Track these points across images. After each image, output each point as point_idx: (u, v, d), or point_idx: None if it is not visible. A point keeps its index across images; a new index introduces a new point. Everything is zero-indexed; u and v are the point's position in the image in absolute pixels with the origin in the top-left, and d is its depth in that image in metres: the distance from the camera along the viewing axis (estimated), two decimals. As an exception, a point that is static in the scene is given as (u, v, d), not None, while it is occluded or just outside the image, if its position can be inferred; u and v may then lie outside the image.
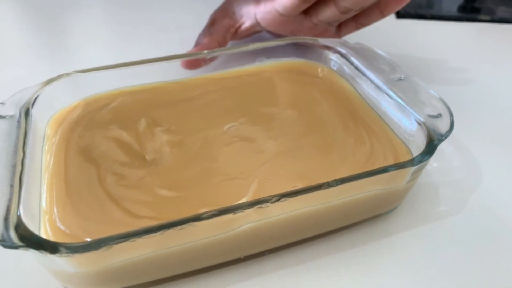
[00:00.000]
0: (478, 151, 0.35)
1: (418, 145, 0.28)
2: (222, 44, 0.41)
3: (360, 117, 0.32)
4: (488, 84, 0.45)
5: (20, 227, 0.21)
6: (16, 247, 0.20)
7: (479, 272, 0.27)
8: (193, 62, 0.36)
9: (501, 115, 0.40)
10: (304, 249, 0.27)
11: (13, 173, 0.24)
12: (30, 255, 0.26)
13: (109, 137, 0.30)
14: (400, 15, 0.58)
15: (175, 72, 0.36)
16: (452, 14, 0.59)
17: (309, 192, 0.23)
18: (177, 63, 0.36)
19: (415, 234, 0.29)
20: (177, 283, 0.25)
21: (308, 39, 0.38)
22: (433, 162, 0.34)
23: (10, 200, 0.23)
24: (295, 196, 0.23)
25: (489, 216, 0.30)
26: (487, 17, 0.58)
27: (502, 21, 0.58)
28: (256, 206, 0.22)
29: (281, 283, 0.26)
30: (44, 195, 0.26)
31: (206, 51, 0.36)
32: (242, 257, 0.26)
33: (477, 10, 0.61)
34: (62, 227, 0.24)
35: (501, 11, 0.60)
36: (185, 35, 0.53)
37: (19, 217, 0.22)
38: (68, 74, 0.33)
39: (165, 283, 0.25)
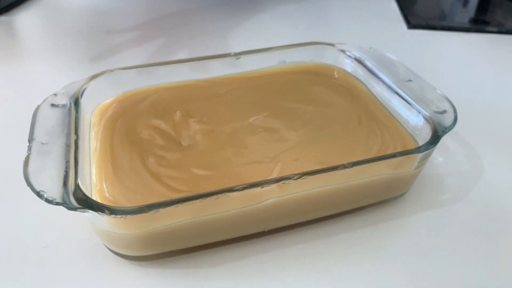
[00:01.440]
0: (481, 148, 0.38)
1: (424, 138, 0.31)
2: None
3: (372, 113, 0.36)
4: (493, 89, 0.48)
5: (78, 193, 0.25)
6: (75, 208, 0.24)
7: (479, 253, 0.30)
8: None
9: (503, 117, 0.43)
10: (321, 227, 0.31)
11: (68, 151, 0.28)
12: (79, 222, 0.30)
13: (149, 125, 0.34)
14: (411, 25, 0.62)
15: (204, 71, 0.40)
16: (462, 25, 0.62)
17: (326, 172, 0.27)
18: (206, 63, 0.40)
19: (422, 218, 0.32)
20: (207, 252, 0.29)
21: (325, 44, 0.41)
22: (439, 157, 0.37)
23: (67, 172, 0.26)
24: (314, 175, 0.26)
25: (489, 204, 0.33)
26: (495, 29, 0.61)
27: (510, 32, 0.61)
28: (280, 182, 0.26)
29: (299, 255, 0.29)
30: (93, 172, 0.30)
31: (233, 53, 0.40)
32: (266, 230, 0.29)
33: (487, 23, 0.64)
34: (110, 198, 0.27)
35: (510, 23, 0.63)
36: (208, 40, 0.57)
37: (77, 185, 0.25)
38: (111, 71, 0.37)
39: (197, 251, 0.29)
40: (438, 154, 0.37)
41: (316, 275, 0.28)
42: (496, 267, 0.29)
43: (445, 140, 0.39)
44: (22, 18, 0.64)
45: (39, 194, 0.24)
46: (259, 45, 0.42)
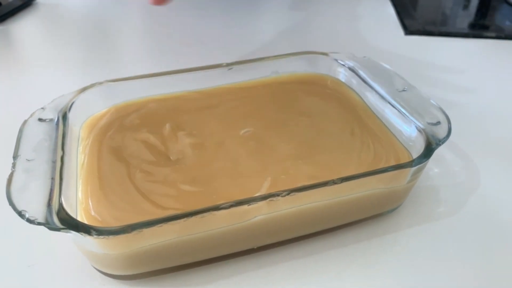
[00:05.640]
0: (478, 158, 0.38)
1: (418, 150, 0.30)
2: None
3: (365, 124, 0.35)
4: (491, 97, 0.47)
5: (61, 213, 0.24)
6: (58, 229, 0.24)
7: (475, 268, 0.29)
8: None
9: (501, 126, 0.42)
10: (312, 243, 0.30)
11: (54, 168, 0.28)
12: (65, 240, 0.29)
13: (137, 139, 0.33)
14: (408, 31, 0.61)
15: (196, 82, 0.39)
16: (459, 30, 0.61)
17: (316, 188, 0.26)
18: (198, 74, 0.39)
19: (416, 232, 0.31)
20: (196, 270, 0.28)
21: (319, 53, 0.41)
22: (434, 168, 0.36)
23: (52, 190, 0.26)
24: (303, 191, 0.26)
25: (486, 217, 0.32)
26: (493, 34, 0.60)
27: (508, 37, 0.60)
28: (268, 199, 0.25)
29: (290, 272, 0.28)
30: (79, 188, 0.29)
31: (224, 63, 0.39)
32: (255, 248, 0.29)
33: (486, 27, 0.63)
34: (96, 216, 0.27)
35: (509, 28, 0.62)
36: (203, 49, 0.57)
37: (61, 204, 0.25)
38: (100, 83, 0.36)
39: (185, 269, 0.28)
40: (434, 165, 0.37)
41: (307, 293, 0.27)
42: (492, 282, 0.28)
43: (441, 150, 0.38)
44: (18, 27, 0.64)
45: (20, 214, 0.24)
46: (253, 55, 0.41)
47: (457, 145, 0.39)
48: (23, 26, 0.65)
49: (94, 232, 0.23)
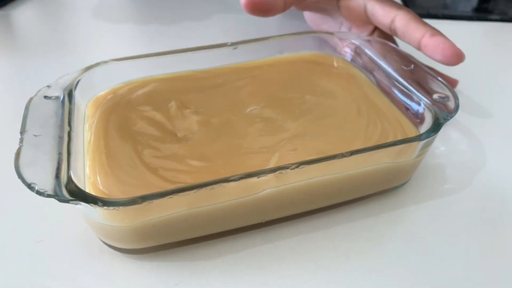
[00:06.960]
0: (484, 137, 0.38)
1: (425, 127, 0.30)
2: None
3: (372, 102, 0.35)
4: (496, 78, 0.47)
5: (70, 185, 0.24)
6: (67, 201, 0.23)
7: (481, 244, 0.29)
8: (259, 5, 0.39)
9: (507, 106, 0.42)
10: (319, 218, 0.30)
11: (61, 143, 0.27)
12: (73, 216, 0.29)
13: (144, 117, 0.33)
14: (413, 14, 0.60)
15: (201, 62, 0.39)
16: (464, 14, 0.61)
17: (325, 161, 0.26)
18: (203, 53, 0.39)
19: (423, 209, 0.31)
20: (204, 245, 0.28)
21: (325, 33, 0.41)
22: (441, 146, 0.36)
23: (59, 164, 0.26)
24: (312, 164, 0.26)
25: (492, 194, 0.32)
26: (498, 17, 0.60)
27: (512, 20, 0.60)
28: (277, 172, 0.25)
29: (297, 247, 0.28)
30: (87, 164, 0.29)
31: (229, 43, 0.39)
32: (263, 222, 0.29)
33: (489, 12, 0.63)
34: (104, 190, 0.27)
35: (512, 11, 0.62)
36: (205, 31, 0.56)
37: (69, 177, 0.25)
38: (105, 62, 0.36)
39: (193, 244, 0.28)
40: (440, 143, 0.37)
41: (315, 267, 0.27)
42: (498, 258, 0.28)
43: (447, 129, 0.38)
44: (18, 12, 0.63)
45: (30, 187, 0.24)
46: (258, 35, 0.41)
47: (463, 125, 0.39)
48: (24, 11, 0.64)
49: (102, 204, 0.23)
